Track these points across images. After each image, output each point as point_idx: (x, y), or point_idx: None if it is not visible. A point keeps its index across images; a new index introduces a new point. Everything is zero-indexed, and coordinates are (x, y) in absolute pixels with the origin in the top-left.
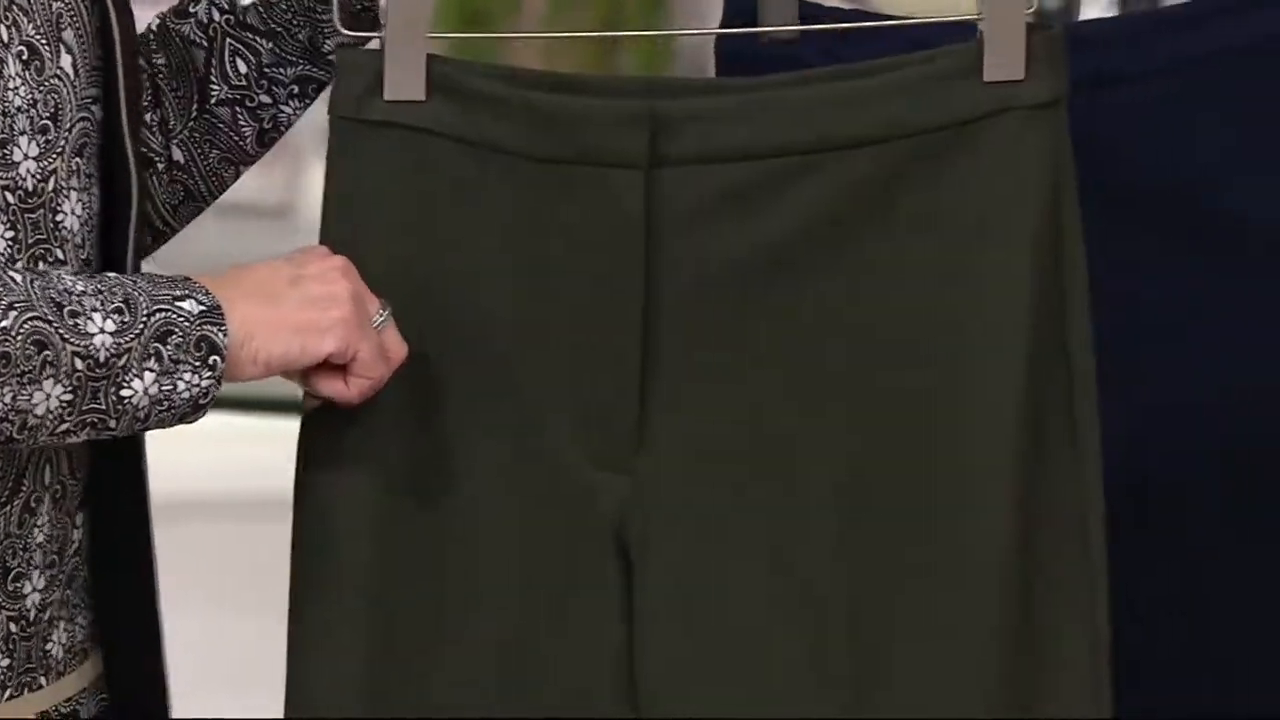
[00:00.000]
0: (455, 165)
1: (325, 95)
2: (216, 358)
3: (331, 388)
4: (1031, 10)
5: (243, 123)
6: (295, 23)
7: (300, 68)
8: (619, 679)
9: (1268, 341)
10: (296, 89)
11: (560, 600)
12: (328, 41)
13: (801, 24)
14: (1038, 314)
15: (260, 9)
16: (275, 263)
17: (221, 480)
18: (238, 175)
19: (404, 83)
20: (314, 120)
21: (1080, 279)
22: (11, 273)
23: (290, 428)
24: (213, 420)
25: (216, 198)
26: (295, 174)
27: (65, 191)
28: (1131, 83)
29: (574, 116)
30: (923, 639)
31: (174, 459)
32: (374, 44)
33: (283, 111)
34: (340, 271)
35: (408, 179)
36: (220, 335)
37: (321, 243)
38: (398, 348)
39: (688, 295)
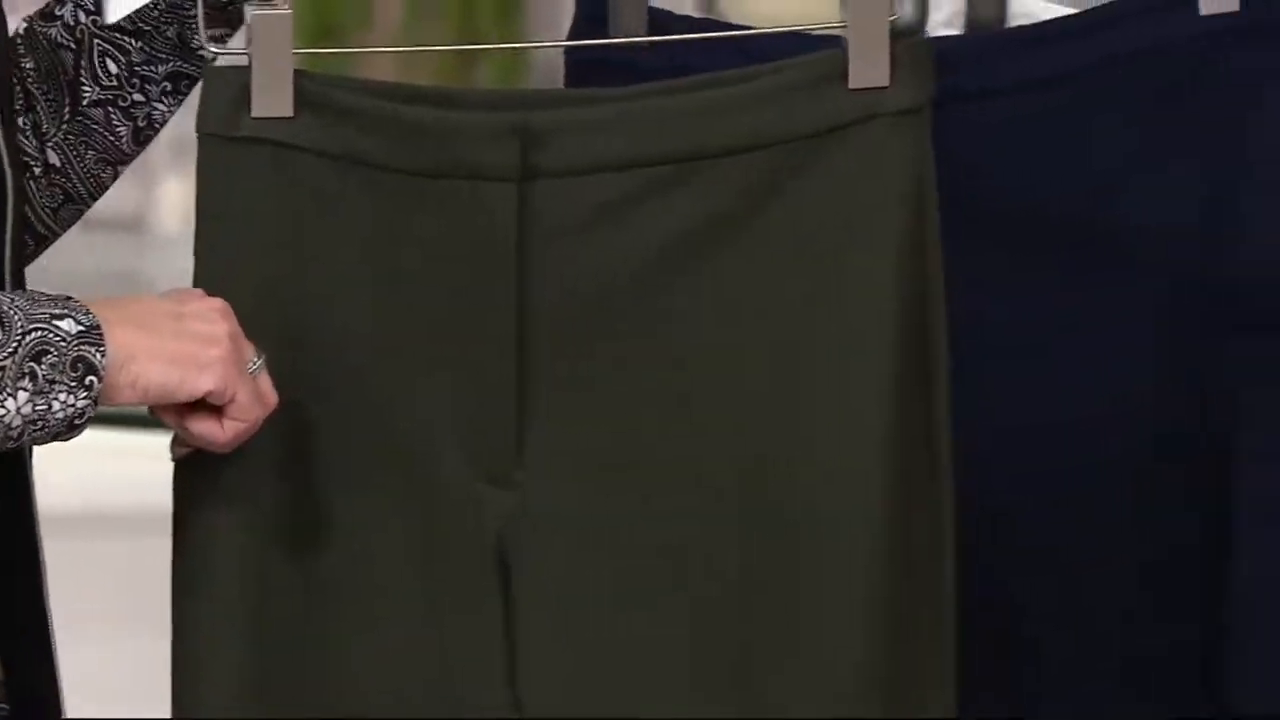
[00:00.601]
0: (325, 181)
1: (192, 108)
2: (93, 378)
3: (206, 428)
4: (894, 18)
5: (117, 122)
6: (163, 20)
7: (172, 64)
8: (501, 691)
9: (1131, 355)
10: (169, 86)
11: (442, 614)
12: (197, 37)
13: (651, 32)
14: (902, 320)
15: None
16: (155, 297)
17: (116, 495)
18: (116, 175)
19: (271, 99)
20: (170, 136)
21: (939, 288)
22: None
23: None
24: (109, 436)
25: (97, 199)
26: (148, 188)
27: None
28: (980, 100)
29: (445, 130)
30: (798, 644)
31: (67, 474)
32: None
33: (157, 109)
34: (220, 313)
35: (277, 195)
36: (98, 356)
37: (196, 260)
38: (270, 395)
39: (561, 307)
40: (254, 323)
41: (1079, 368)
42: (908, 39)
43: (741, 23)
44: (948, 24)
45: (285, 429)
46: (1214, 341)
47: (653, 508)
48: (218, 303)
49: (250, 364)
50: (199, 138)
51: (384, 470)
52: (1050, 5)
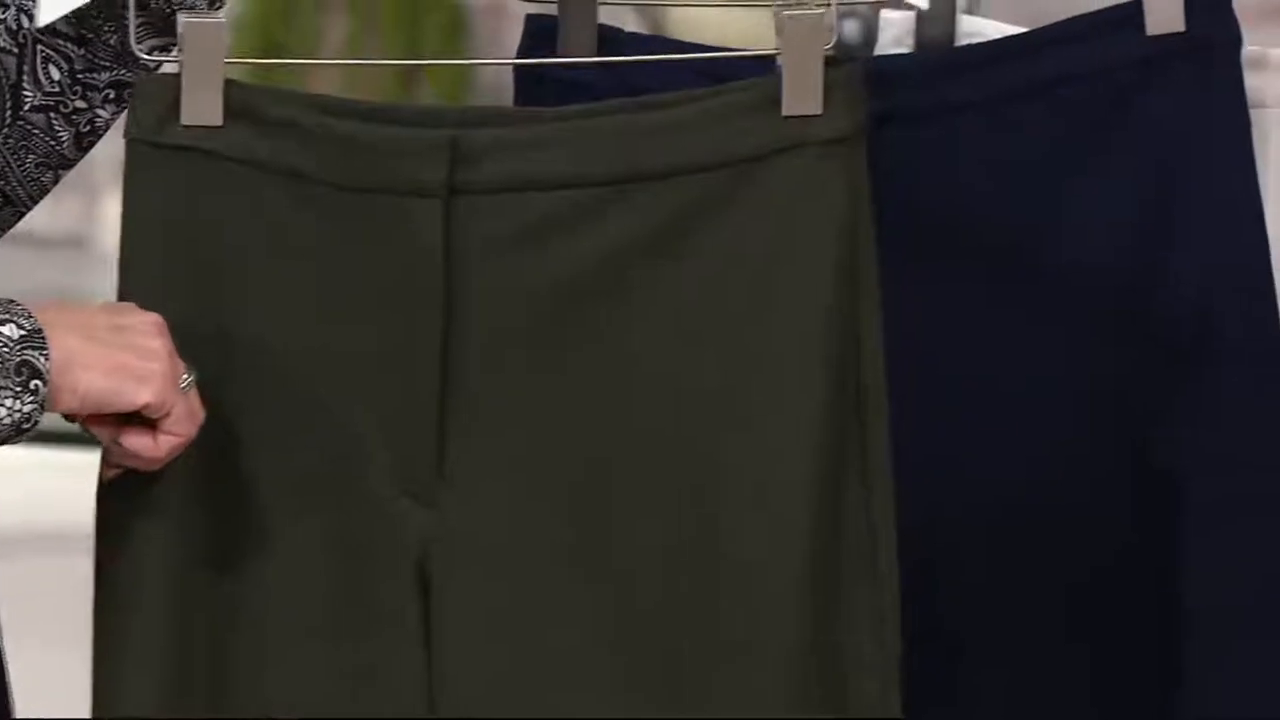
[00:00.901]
0: (253, 191)
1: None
2: (38, 382)
3: (140, 443)
4: (830, 46)
5: (59, 128)
6: (106, 28)
7: (114, 73)
8: (419, 709)
9: (1065, 380)
10: (112, 94)
11: (362, 631)
12: (140, 45)
13: (600, 47)
14: (833, 346)
15: (71, 17)
16: (94, 308)
17: (55, 514)
18: (57, 179)
19: (201, 107)
20: (111, 153)
21: (875, 316)
22: None
23: None
24: (45, 453)
25: (37, 202)
26: (90, 205)
27: None
28: (929, 119)
29: (375, 144)
30: (727, 658)
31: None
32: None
33: (99, 116)
34: (157, 328)
35: (204, 204)
36: (42, 360)
37: (120, 266)
38: (200, 412)
39: (488, 324)
40: (178, 331)
41: (1014, 392)
42: (842, 65)
43: (690, 39)
44: (897, 43)
45: (210, 443)
46: (1148, 368)
47: (577, 525)
48: (154, 318)
49: (182, 381)
50: (127, 144)
51: (308, 486)
52: (999, 25)
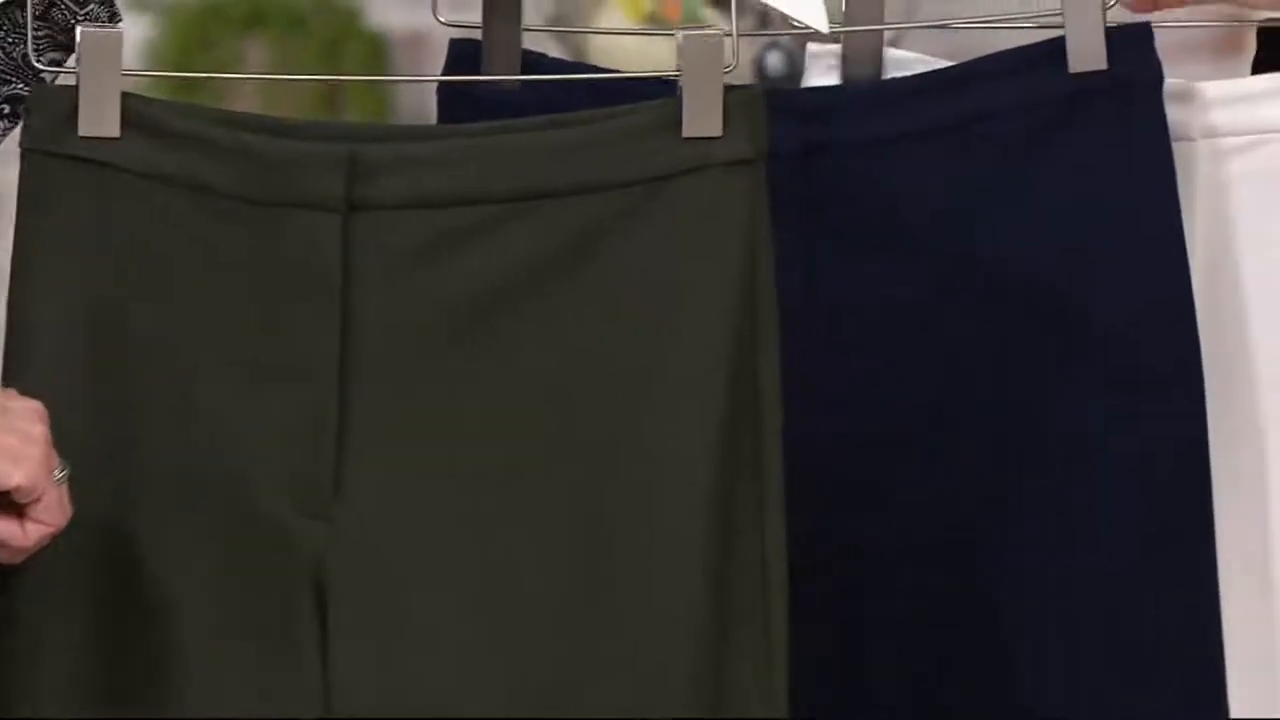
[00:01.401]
0: (150, 203)
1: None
2: None
3: (7, 530)
4: (730, 69)
5: None
6: (7, 40)
7: (10, 86)
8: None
9: (997, 411)
10: (7, 108)
11: (259, 647)
12: (41, 59)
13: (524, 73)
14: (729, 367)
15: None
16: None
17: None
18: None
19: (98, 118)
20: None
21: (771, 339)
22: None
23: None
24: None
25: None
26: None
27: None
28: (854, 151)
29: (274, 157)
30: (616, 673)
31: None
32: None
33: None
34: (38, 415)
35: (100, 216)
36: None
37: (13, 278)
38: (69, 508)
39: (385, 340)
40: (71, 343)
41: (932, 423)
42: (743, 89)
43: (608, 66)
44: (825, 73)
45: (106, 457)
46: (1070, 406)
47: (472, 540)
48: (35, 405)
49: (56, 472)
50: (21, 154)
51: (203, 502)
52: (923, 57)
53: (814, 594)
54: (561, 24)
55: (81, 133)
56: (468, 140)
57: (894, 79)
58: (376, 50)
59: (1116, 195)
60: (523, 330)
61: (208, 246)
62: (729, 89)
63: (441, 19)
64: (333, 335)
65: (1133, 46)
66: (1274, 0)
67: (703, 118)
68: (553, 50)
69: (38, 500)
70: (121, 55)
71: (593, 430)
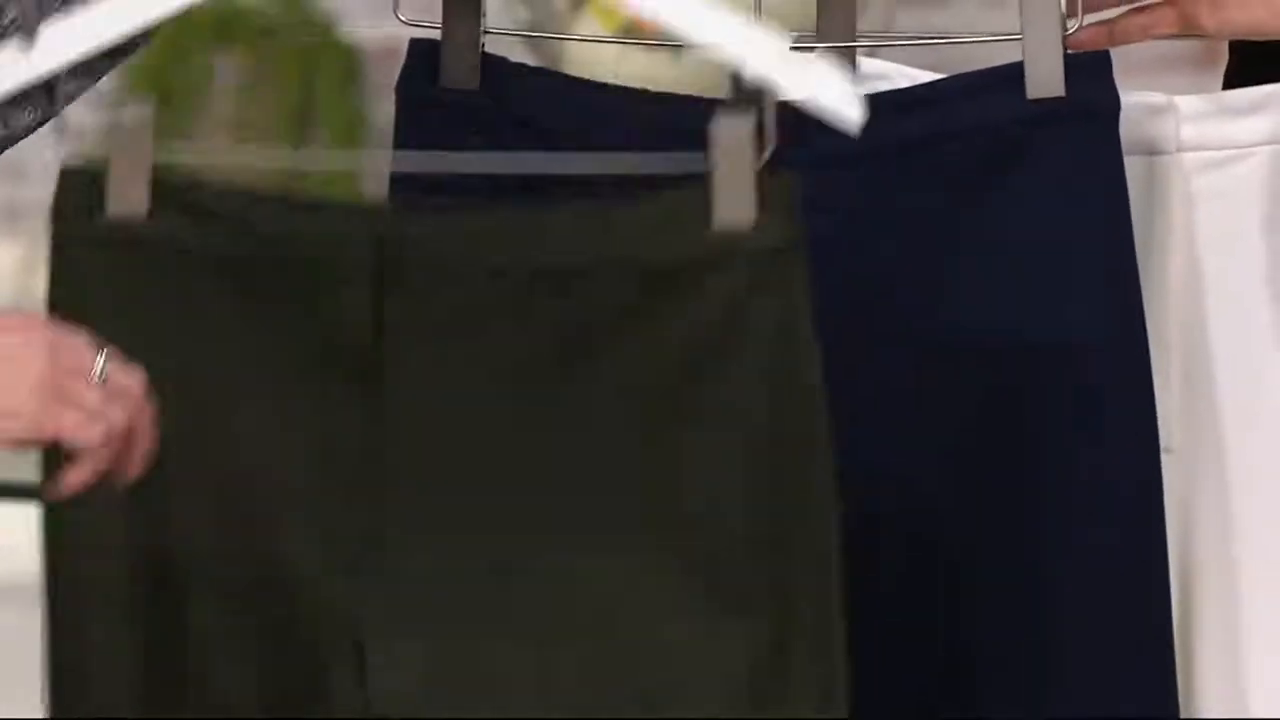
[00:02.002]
0: (180, 280)
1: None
2: None
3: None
4: (767, 154)
5: None
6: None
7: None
8: None
9: (948, 440)
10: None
11: (300, 710)
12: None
13: (484, 78)
14: (771, 453)
15: None
16: None
17: None
18: None
19: (127, 197)
20: None
21: (820, 419)
22: None
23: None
24: None
25: None
26: None
27: None
28: (809, 170)
29: (305, 233)
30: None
31: None
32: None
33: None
34: (21, 337)
35: (130, 294)
36: None
37: None
38: (132, 388)
39: (420, 413)
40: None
41: (882, 451)
42: (779, 176)
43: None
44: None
45: (137, 526)
46: (1017, 431)
47: (510, 610)
48: (14, 321)
49: (93, 369)
50: (51, 237)
51: (237, 572)
52: (901, 68)
53: None
54: (536, 32)
55: (111, 212)
56: (499, 218)
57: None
58: (350, 62)
59: (1068, 225)
60: (553, 406)
61: (238, 320)
62: (760, 176)
63: (402, 18)
64: (365, 407)
65: (1092, 74)
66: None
67: (736, 206)
68: (530, 61)
69: (64, 431)
70: (151, 134)
71: (627, 509)
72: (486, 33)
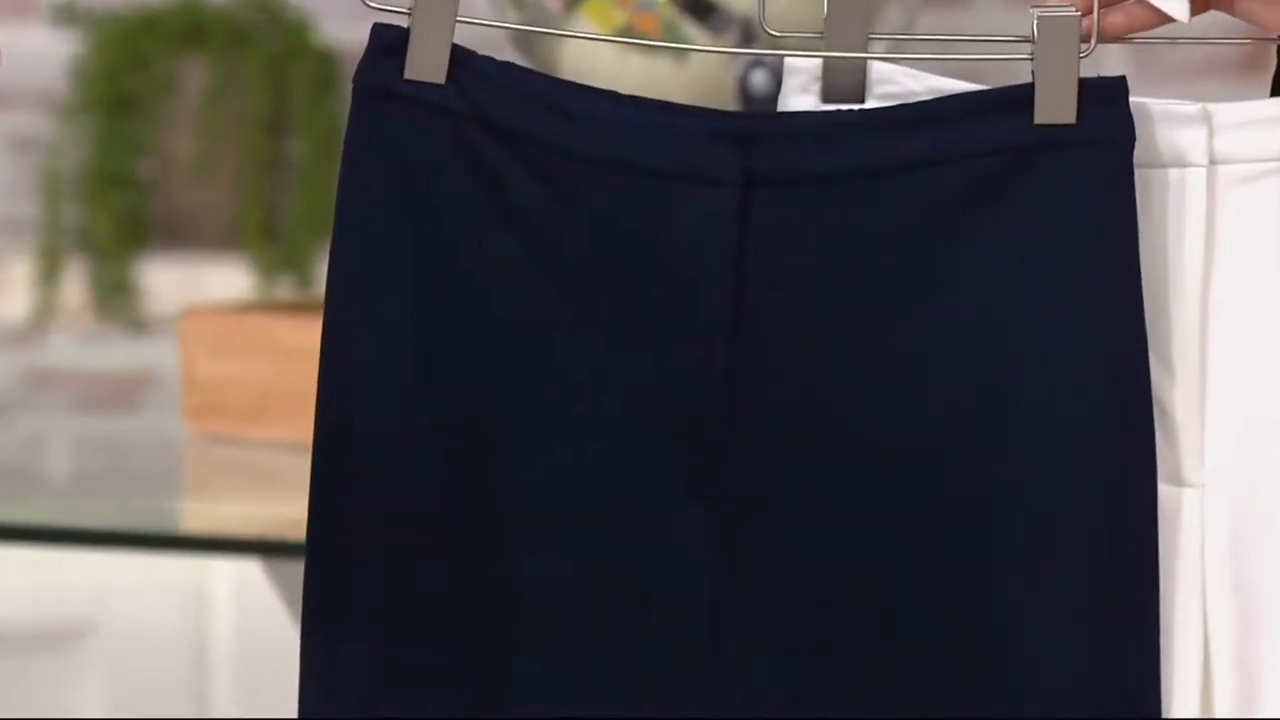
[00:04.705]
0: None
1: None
2: None
3: None
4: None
5: None
6: None
7: None
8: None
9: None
10: None
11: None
12: None
13: (452, 69)
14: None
15: None
16: None
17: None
18: None
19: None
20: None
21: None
22: None
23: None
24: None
25: None
26: None
27: None
28: (794, 186)
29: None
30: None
31: None
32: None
33: None
34: None
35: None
36: None
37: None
38: None
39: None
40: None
41: (861, 472)
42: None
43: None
44: (803, 90)
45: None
46: (1023, 453)
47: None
48: None
49: None
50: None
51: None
52: (912, 72)
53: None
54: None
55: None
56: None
57: (844, 111)
58: (326, 68)
59: (1070, 258)
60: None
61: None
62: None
63: (372, 3)
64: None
65: (1106, 101)
66: None
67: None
68: (520, 63)
69: None
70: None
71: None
72: (460, 22)
